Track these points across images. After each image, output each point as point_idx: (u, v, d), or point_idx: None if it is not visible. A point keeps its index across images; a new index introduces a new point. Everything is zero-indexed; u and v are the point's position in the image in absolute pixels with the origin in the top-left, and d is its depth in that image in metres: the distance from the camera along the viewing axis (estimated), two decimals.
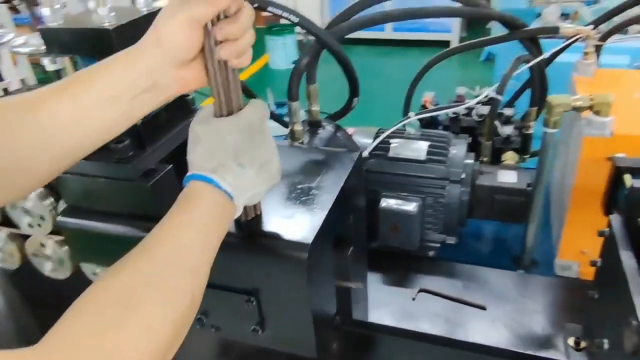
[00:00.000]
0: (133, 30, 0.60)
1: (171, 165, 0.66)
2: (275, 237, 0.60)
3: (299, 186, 0.69)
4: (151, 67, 0.51)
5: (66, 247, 0.91)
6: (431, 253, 1.18)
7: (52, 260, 0.93)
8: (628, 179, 0.78)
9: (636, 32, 2.06)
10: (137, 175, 0.63)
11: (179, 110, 0.73)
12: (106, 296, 0.42)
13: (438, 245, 1.18)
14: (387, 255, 1.15)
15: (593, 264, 0.79)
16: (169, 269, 0.45)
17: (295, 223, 0.62)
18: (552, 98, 0.94)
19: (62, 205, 0.87)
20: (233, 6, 0.51)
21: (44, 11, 0.60)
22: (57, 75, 0.76)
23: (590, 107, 0.93)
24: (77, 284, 0.94)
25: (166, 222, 0.49)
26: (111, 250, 0.70)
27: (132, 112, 0.53)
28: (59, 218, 0.68)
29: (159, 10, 0.61)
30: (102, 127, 0.52)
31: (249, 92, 0.97)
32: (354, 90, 1.00)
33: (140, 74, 0.51)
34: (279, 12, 0.81)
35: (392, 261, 1.16)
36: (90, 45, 0.59)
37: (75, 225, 0.67)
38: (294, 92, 0.90)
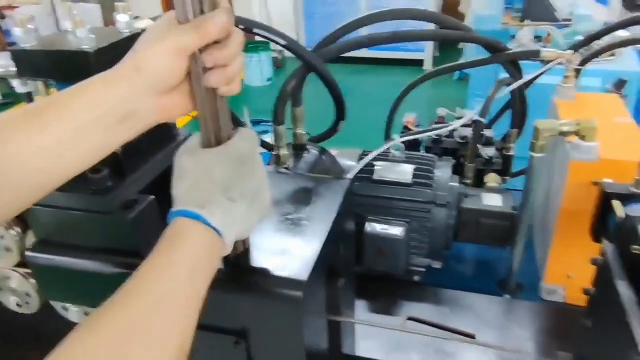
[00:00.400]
0: (114, 53, 0.56)
1: (153, 197, 0.62)
2: (266, 274, 0.56)
3: (289, 217, 0.65)
4: (129, 94, 0.47)
5: (33, 281, 0.85)
6: (417, 278, 1.16)
7: (18, 294, 0.86)
8: (619, 207, 0.78)
9: (607, 56, 2.13)
10: (117, 207, 0.59)
11: (160, 135, 0.68)
12: (88, 352, 0.37)
13: (423, 270, 1.16)
14: (372, 280, 1.13)
15: (586, 292, 0.78)
16: (156, 318, 0.41)
17: (288, 258, 0.58)
18: (540, 123, 0.94)
19: (30, 235, 0.81)
20: (222, 32, 0.48)
21: (16, 32, 0.55)
22: (29, 97, 0.71)
23: (577, 132, 0.93)
24: (47, 319, 0.88)
25: (151, 265, 0.45)
26: (85, 288, 0.66)
27: (107, 143, 0.48)
28: (28, 253, 0.62)
29: (141, 32, 0.57)
30: (75, 159, 0.47)
31: (236, 120, 0.93)
32: (340, 114, 0.97)
33: (117, 102, 0.47)
34: (265, 34, 0.79)
35: (377, 287, 1.14)
36: (68, 69, 0.55)
37: (47, 261, 0.61)
38: (280, 116, 0.87)
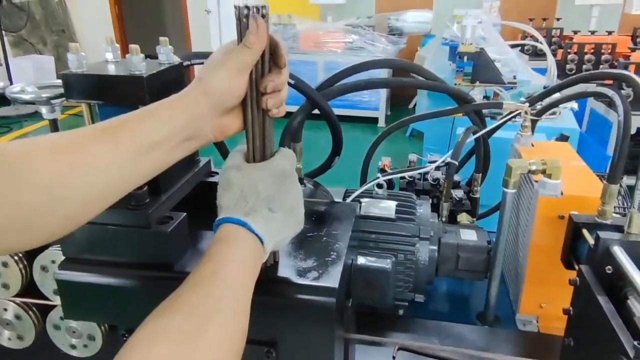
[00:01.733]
0: (160, 80, 0.62)
1: (185, 214, 0.65)
2: (298, 282, 0.60)
3: (310, 234, 0.70)
4: (196, 115, 0.54)
5: (31, 312, 0.83)
6: (400, 312, 1.21)
7: (14, 326, 0.83)
8: (588, 235, 0.88)
9: (549, 115, 2.38)
10: (154, 222, 0.62)
11: (187, 159, 0.73)
12: (171, 329, 0.41)
13: (407, 304, 1.21)
14: (359, 314, 1.16)
15: (566, 311, 0.86)
16: (225, 305, 0.45)
17: (316, 268, 0.62)
18: (512, 162, 1.05)
19: (37, 264, 0.80)
20: (262, 39, 0.54)
21: (70, 57, 0.60)
22: (54, 124, 0.74)
23: (543, 171, 1.05)
24: (36, 353, 0.85)
25: (208, 262, 0.49)
26: (115, 305, 0.66)
27: (169, 159, 0.54)
28: (58, 272, 0.63)
29: (180, 64, 0.64)
30: (141, 174, 0.52)
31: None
32: (337, 150, 1.05)
33: (185, 122, 0.53)
34: None
35: (363, 320, 1.17)
36: (120, 92, 0.59)
37: (79, 279, 0.62)
38: (286, 145, 0.94)
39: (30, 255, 0.80)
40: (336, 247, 0.66)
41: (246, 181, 0.56)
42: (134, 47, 0.59)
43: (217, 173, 0.78)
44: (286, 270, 0.63)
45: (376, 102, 5.57)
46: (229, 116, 0.57)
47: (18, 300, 0.83)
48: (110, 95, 0.60)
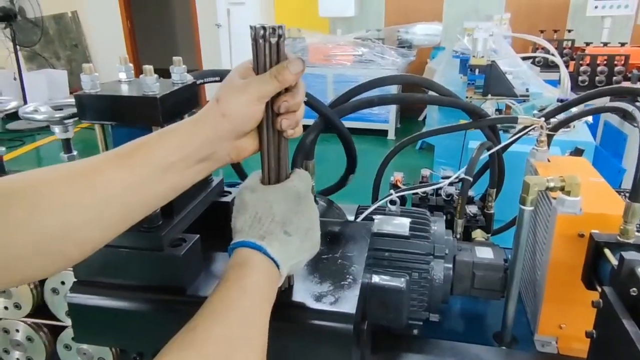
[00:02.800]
0: (173, 100, 0.61)
1: (198, 236, 0.64)
2: (314, 307, 0.59)
3: (324, 256, 0.68)
4: (213, 137, 0.53)
5: (42, 332, 0.82)
6: (415, 331, 1.18)
7: (24, 348, 0.82)
8: (611, 255, 0.85)
9: (564, 128, 2.35)
10: (167, 244, 0.61)
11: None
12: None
13: (421, 323, 1.18)
14: (372, 334, 1.14)
15: (588, 335, 0.83)
16: (244, 342, 0.43)
17: (333, 293, 0.61)
18: (529, 179, 1.03)
19: (47, 286, 0.79)
20: (297, 79, 0.54)
21: (83, 78, 0.59)
22: (67, 143, 0.73)
23: (562, 188, 1.03)
24: None
25: (225, 291, 0.48)
26: (126, 329, 0.65)
27: (185, 181, 0.53)
28: (70, 294, 0.62)
29: (193, 83, 0.63)
30: (156, 196, 0.51)
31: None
32: (351, 168, 1.04)
33: (201, 144, 0.52)
34: None
35: (377, 340, 1.14)
36: (133, 113, 0.59)
37: (90, 302, 0.61)
38: (298, 166, 0.92)
39: None
40: (352, 270, 0.64)
41: (261, 203, 0.55)
42: (147, 67, 0.58)
43: (230, 192, 0.77)
44: (301, 294, 0.61)
45: (386, 115, 5.56)
46: (245, 138, 0.56)
47: (29, 321, 0.82)
48: (124, 116, 0.59)
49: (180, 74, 0.65)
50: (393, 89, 4.00)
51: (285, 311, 0.59)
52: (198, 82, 0.81)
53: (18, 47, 5.92)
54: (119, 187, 0.48)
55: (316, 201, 1.07)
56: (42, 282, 0.80)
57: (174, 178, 0.51)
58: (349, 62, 5.49)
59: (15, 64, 5.88)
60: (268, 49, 0.52)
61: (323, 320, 0.57)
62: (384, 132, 5.56)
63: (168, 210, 0.62)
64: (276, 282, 0.54)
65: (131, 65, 0.66)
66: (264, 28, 0.51)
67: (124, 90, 0.61)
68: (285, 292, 0.61)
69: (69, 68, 7.21)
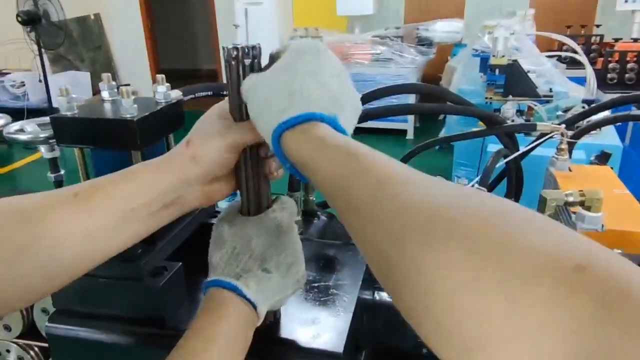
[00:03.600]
0: (153, 121, 0.57)
1: (180, 264, 0.60)
2: (299, 346, 0.55)
3: (315, 284, 0.64)
4: (180, 181, 0.49)
5: (32, 352, 0.80)
6: (424, 350, 1.13)
7: None
8: None
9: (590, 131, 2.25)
10: (146, 274, 0.57)
11: None
12: None
13: None
14: (379, 353, 1.09)
15: None
16: None
17: (320, 329, 0.57)
18: (547, 193, 0.96)
19: (37, 307, 0.77)
20: None
21: (59, 100, 0.56)
22: (54, 162, 0.71)
23: (581, 203, 0.96)
24: None
25: (193, 341, 0.44)
26: None
27: (150, 226, 0.49)
28: (48, 324, 0.59)
29: (178, 101, 0.59)
30: (119, 242, 0.47)
31: None
32: None
33: (166, 188, 0.48)
34: None
35: None
36: (110, 136, 0.56)
37: (67, 332, 0.58)
38: (295, 183, 0.89)
39: None
40: (343, 302, 0.60)
41: (238, 237, 0.51)
42: (124, 89, 0.55)
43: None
44: (286, 329, 0.57)
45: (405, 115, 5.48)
46: (216, 183, 0.52)
47: (21, 342, 0.80)
48: (101, 140, 0.56)
49: (163, 93, 0.61)
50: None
51: (269, 348, 0.55)
52: (187, 97, 0.78)
53: (43, 49, 6.03)
54: (72, 235, 0.43)
55: (318, 216, 1.03)
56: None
57: (138, 223, 0.47)
58: (366, 61, 5.41)
59: (40, 66, 6.00)
60: (242, 71, 0.48)
61: (308, 359, 0.53)
62: (403, 132, 5.47)
63: (149, 237, 0.58)
64: (252, 325, 0.49)
65: (114, 83, 0.62)
66: (236, 49, 0.47)
67: (103, 111, 0.58)
68: (270, 326, 0.57)
69: (92, 70, 7.33)
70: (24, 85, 6.20)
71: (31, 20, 5.65)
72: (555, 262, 0.25)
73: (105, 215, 0.45)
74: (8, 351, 0.81)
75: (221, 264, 0.50)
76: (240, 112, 0.50)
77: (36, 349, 0.82)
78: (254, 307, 0.48)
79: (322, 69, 0.45)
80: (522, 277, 0.25)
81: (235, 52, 0.48)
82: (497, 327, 0.24)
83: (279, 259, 0.51)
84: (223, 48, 0.48)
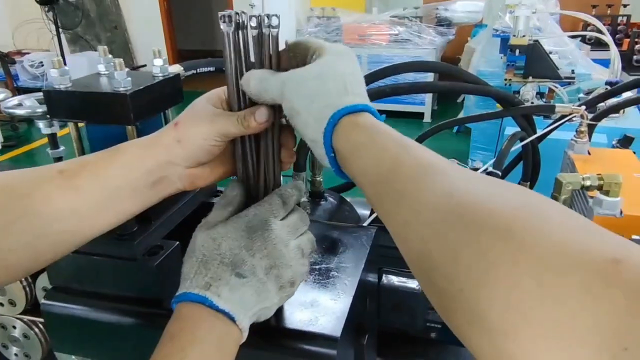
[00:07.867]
0: (148, 96, 0.56)
1: (178, 243, 0.59)
2: (296, 329, 0.53)
3: (316, 267, 0.63)
4: (164, 162, 0.48)
5: (37, 329, 0.80)
6: (433, 335, 1.11)
7: (21, 344, 0.81)
8: None
9: (612, 113, 2.17)
10: (142, 253, 0.56)
11: None
12: None
13: (440, 326, 1.11)
14: (386, 336, 1.07)
15: None
16: None
17: (318, 312, 0.55)
18: (563, 177, 0.93)
19: (39, 284, 0.77)
20: (262, 127, 0.50)
21: (51, 72, 0.55)
22: (53, 138, 0.70)
23: (600, 187, 0.92)
24: None
25: None
26: (103, 340, 0.62)
27: (136, 205, 0.48)
28: (44, 301, 0.59)
29: (175, 75, 0.57)
30: (104, 220, 0.46)
31: None
32: None
33: (151, 167, 0.47)
34: None
35: (393, 344, 1.08)
36: (103, 110, 0.54)
37: (63, 310, 0.58)
38: (301, 162, 0.86)
39: (33, 275, 0.77)
40: (344, 285, 0.58)
41: (208, 242, 0.47)
42: (118, 60, 0.53)
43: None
44: (284, 312, 0.55)
45: (422, 97, 5.37)
46: (201, 168, 0.51)
47: (25, 318, 0.81)
48: (93, 114, 0.55)
49: (160, 66, 0.59)
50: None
51: (263, 333, 0.53)
52: (189, 72, 0.76)
53: (61, 29, 6.06)
54: (64, 211, 0.43)
55: (325, 198, 1.01)
56: (34, 280, 0.78)
57: (124, 201, 0.46)
58: (384, 42, 5.31)
59: (58, 46, 6.04)
60: (247, 44, 0.45)
61: (303, 343, 0.51)
62: (420, 115, 5.38)
63: (145, 215, 0.57)
64: (233, 339, 0.44)
65: (110, 56, 0.61)
66: (240, 14, 0.44)
67: (97, 85, 0.56)
68: None
69: (110, 50, 7.36)
70: (42, 65, 6.24)
71: (49, 0, 5.67)
72: (592, 253, 0.25)
73: (91, 192, 0.44)
74: (14, 327, 0.81)
75: (190, 274, 0.46)
76: (238, 100, 0.48)
77: (40, 325, 0.82)
78: (232, 319, 0.44)
79: (358, 70, 0.48)
80: (557, 266, 0.26)
81: (240, 19, 0.45)
82: (528, 313, 0.25)
83: (253, 262, 0.46)
84: (221, 16, 0.45)
